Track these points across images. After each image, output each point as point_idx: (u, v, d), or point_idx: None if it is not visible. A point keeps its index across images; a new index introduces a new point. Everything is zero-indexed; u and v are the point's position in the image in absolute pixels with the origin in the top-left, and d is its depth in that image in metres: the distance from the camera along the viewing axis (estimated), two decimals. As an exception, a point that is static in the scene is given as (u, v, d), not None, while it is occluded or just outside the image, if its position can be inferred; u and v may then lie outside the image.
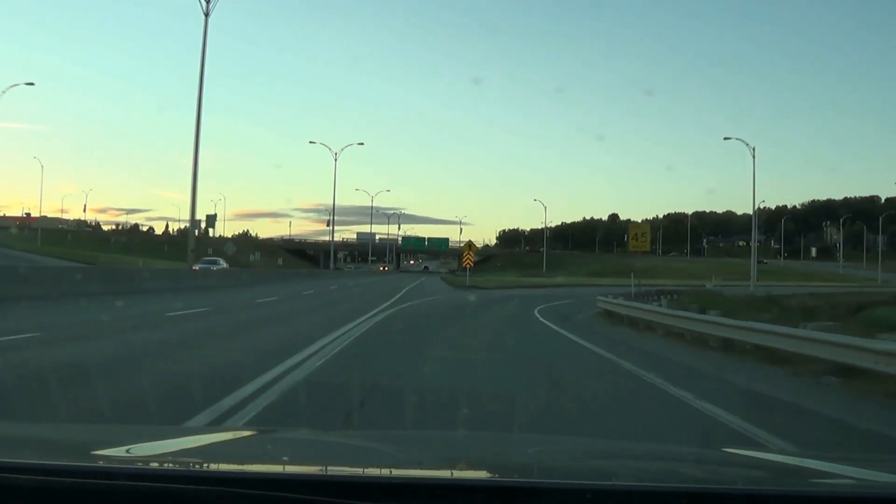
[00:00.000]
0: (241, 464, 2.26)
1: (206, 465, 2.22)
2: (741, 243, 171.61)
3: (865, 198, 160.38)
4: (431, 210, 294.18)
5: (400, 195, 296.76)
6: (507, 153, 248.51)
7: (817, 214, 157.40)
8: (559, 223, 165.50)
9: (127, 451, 2.26)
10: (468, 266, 53.35)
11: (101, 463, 2.05)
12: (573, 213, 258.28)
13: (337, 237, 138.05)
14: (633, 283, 30.90)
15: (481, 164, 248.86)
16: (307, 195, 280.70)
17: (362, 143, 75.84)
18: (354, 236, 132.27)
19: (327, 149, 72.74)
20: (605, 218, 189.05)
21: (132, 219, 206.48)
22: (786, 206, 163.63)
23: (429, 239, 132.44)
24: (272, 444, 2.73)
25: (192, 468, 2.12)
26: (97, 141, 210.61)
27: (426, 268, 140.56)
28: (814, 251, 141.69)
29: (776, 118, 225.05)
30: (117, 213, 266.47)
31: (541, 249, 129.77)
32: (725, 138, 50.90)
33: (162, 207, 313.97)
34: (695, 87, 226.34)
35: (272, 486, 1.73)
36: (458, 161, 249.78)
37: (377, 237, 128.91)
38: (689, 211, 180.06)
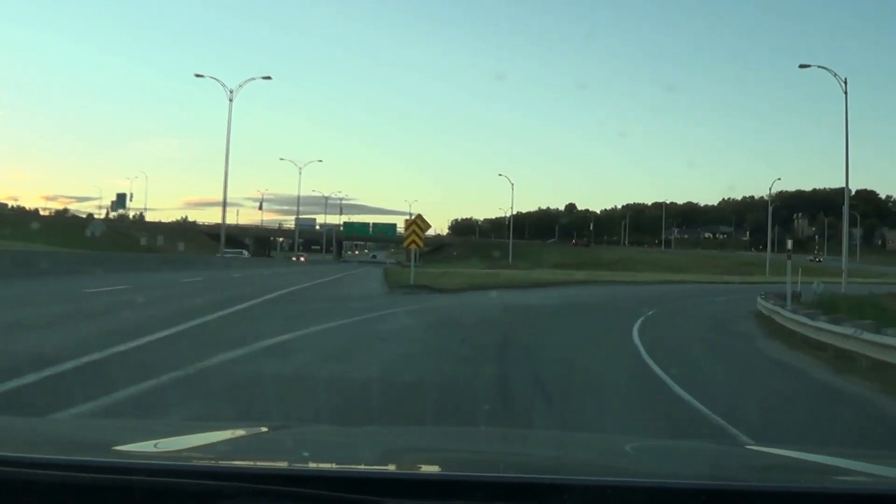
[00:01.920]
0: (261, 459, 2.22)
1: (225, 460, 2.16)
2: (707, 235, 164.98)
3: (835, 189, 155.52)
4: (380, 200, 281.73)
5: (347, 186, 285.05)
6: (463, 140, 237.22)
7: (788, 206, 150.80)
8: (515, 213, 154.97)
9: (146, 446, 2.26)
10: (414, 247, 36.11)
11: (121, 458, 2.03)
12: (529, 203, 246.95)
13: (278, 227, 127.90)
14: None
15: (432, 152, 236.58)
16: (261, 185, 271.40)
17: (269, 77, 57.46)
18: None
19: (221, 85, 53.57)
20: (562, 208, 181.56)
21: (85, 206, 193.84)
22: (753, 196, 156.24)
23: (374, 224, 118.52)
24: (291, 439, 2.71)
25: (211, 464, 2.07)
26: (53, 128, 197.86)
27: (374, 257, 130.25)
28: (790, 244, 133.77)
29: (753, 109, 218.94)
30: (67, 200, 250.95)
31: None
32: (801, 66, 37.44)
33: (111, 196, 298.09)
34: (692, 78, 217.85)
35: (291, 482, 1.71)
36: (407, 149, 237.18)
37: (317, 225, 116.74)
38: (649, 202, 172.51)
